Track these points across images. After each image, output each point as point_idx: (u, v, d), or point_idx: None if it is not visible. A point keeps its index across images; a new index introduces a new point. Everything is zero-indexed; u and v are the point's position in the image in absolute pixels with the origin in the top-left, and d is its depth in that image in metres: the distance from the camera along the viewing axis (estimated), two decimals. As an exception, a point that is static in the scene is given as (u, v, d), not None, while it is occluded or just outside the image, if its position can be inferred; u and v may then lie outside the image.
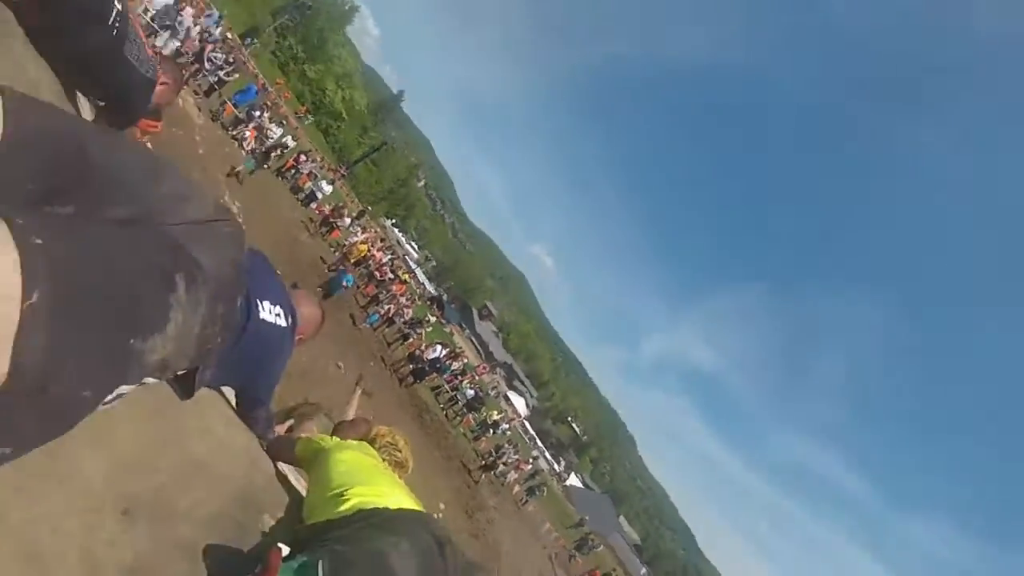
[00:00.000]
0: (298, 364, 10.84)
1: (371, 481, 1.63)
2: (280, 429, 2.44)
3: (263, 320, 1.69)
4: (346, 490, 1.53)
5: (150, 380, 1.17)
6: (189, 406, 1.49)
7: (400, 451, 2.17)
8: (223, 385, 1.85)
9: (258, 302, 1.68)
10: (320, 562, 1.12)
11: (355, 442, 1.96)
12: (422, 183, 77.26)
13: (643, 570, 52.16)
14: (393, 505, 1.53)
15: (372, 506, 1.47)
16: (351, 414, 4.05)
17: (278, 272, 1.97)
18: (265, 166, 18.67)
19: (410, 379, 20.21)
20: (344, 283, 18.17)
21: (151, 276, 0.99)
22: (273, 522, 1.60)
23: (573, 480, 55.82)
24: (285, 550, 1.21)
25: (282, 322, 1.79)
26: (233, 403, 1.89)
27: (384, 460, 2.01)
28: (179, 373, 1.32)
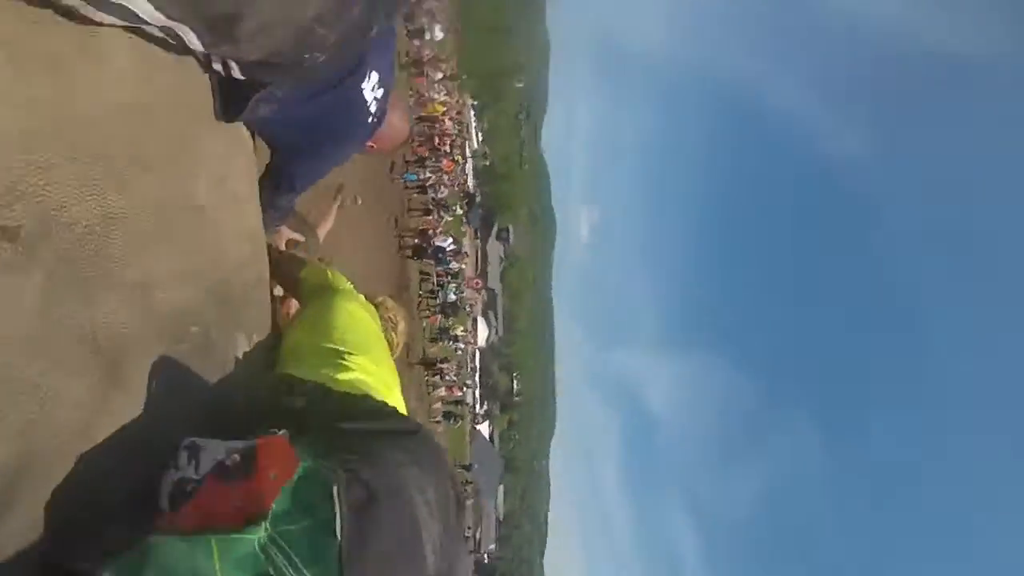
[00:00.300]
0: (329, 180, 10.28)
1: (377, 359, 1.43)
2: (279, 238, 2.10)
3: (362, 90, 1.39)
4: (348, 354, 1.33)
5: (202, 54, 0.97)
6: (220, 130, 1.18)
7: (396, 334, 1.83)
8: (270, 138, 1.50)
9: (369, 71, 1.38)
10: (335, 488, 0.79)
11: (363, 297, 1.71)
12: (520, 85, 74.85)
13: (492, 546, 53.40)
14: (391, 391, 1.37)
15: (381, 398, 1.24)
16: (328, 225, 4.04)
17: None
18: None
19: (408, 252, 19.80)
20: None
21: None
22: (248, 347, 1.32)
23: (484, 428, 56.85)
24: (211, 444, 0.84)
25: (373, 109, 1.47)
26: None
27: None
28: (236, 76, 1.07)
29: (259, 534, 0.72)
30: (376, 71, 1.40)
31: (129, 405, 0.91)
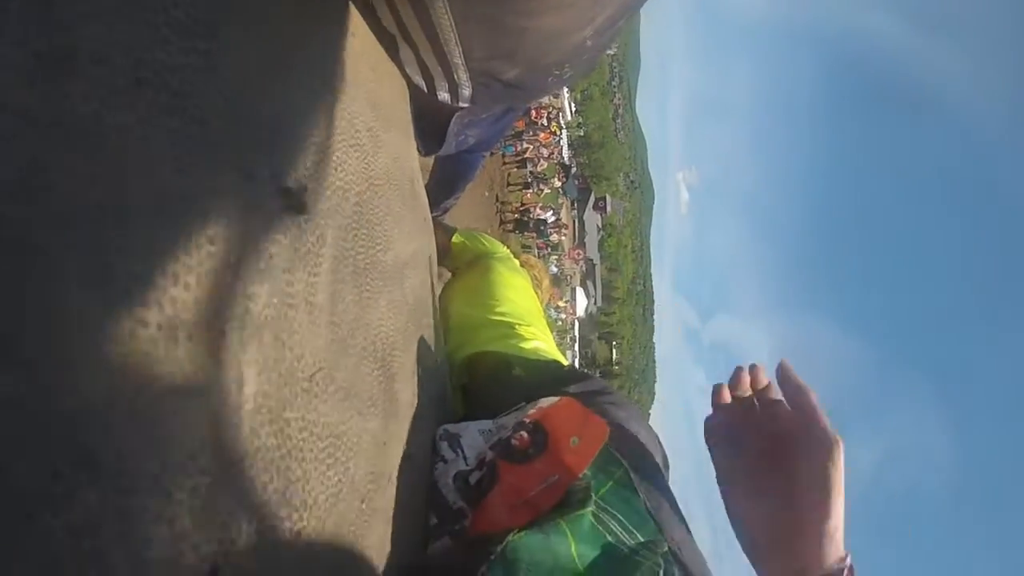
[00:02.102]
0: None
1: (540, 320, 1.28)
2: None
3: None
4: (520, 324, 1.17)
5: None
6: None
7: (542, 291, 1.72)
8: (484, 150, 1.50)
9: None
10: (618, 459, 0.73)
11: (517, 263, 1.59)
12: (612, 51, 72.96)
13: None
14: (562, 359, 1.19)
15: (555, 357, 1.12)
16: None
17: None
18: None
19: (510, 226, 20.21)
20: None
21: None
22: (426, 335, 1.01)
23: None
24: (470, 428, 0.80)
25: None
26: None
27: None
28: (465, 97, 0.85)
29: (591, 507, 0.67)
30: None
31: (400, 432, 0.70)
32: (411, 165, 0.89)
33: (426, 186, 1.60)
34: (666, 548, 0.64)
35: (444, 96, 0.85)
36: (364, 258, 0.64)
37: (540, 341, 1.15)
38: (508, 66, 0.76)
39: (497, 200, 19.05)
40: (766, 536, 0.66)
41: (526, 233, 21.61)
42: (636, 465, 0.74)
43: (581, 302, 54.00)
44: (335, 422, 0.53)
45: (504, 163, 20.34)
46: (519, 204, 20.88)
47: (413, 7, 0.67)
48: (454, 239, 1.56)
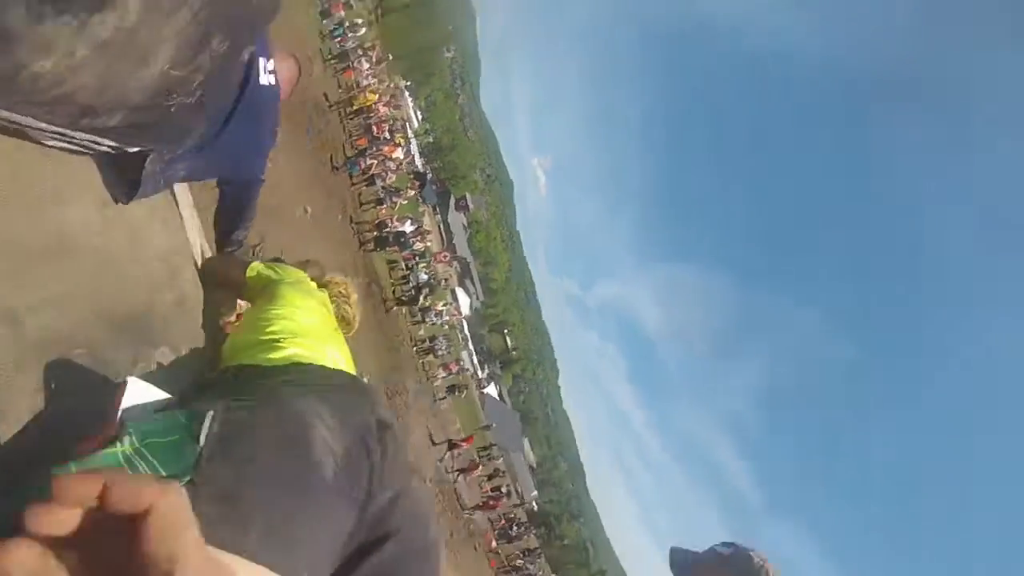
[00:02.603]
0: (266, 203, 10.45)
1: (318, 335, 1.39)
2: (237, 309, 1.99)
3: (261, 85, 1.35)
4: (284, 338, 1.26)
5: (62, 140, 0.80)
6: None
7: (350, 306, 1.88)
8: (198, 179, 1.50)
9: (259, 59, 1.31)
10: (209, 415, 0.84)
11: (312, 284, 1.72)
12: (450, 55, 73.48)
13: (534, 492, 54.91)
14: (331, 364, 1.29)
15: (308, 361, 1.22)
16: None
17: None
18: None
19: (371, 245, 19.97)
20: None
21: None
22: (172, 357, 1.27)
23: (491, 390, 57.57)
24: (137, 384, 0.94)
25: (273, 80, 1.45)
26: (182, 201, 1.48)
27: (330, 314, 1.76)
28: (125, 149, 0.90)
29: (121, 448, 0.78)
30: (260, 56, 1.32)
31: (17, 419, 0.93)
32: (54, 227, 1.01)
33: (213, 217, 1.67)
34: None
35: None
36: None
37: (299, 349, 1.24)
38: (102, 118, 0.77)
39: (352, 222, 18.80)
40: None
41: (388, 248, 21.39)
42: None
43: (464, 301, 54.29)
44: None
45: (352, 184, 20.07)
46: (375, 221, 20.70)
47: None
48: (248, 272, 1.59)
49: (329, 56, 20.30)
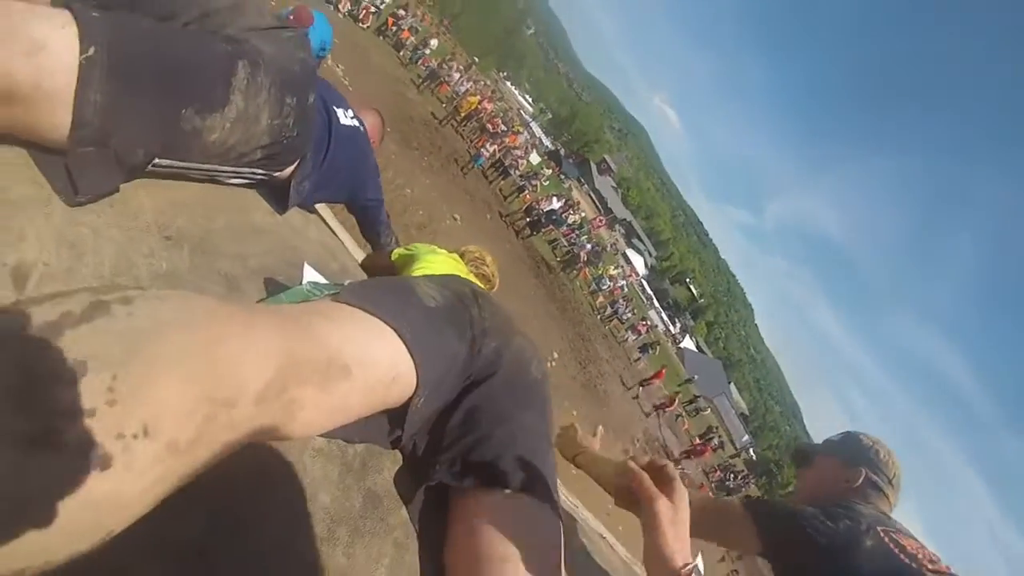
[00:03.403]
0: (416, 217, 11.20)
1: (447, 270, 1.62)
2: None
3: (343, 124, 1.73)
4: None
5: (236, 177, 1.31)
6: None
7: (487, 266, 2.07)
8: (329, 201, 1.92)
9: (334, 108, 1.71)
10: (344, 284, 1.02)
11: (444, 251, 1.94)
12: (532, 31, 73.16)
13: (746, 437, 52.19)
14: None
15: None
16: None
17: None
18: (361, 25, 18.50)
19: (527, 231, 20.27)
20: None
21: (209, 55, 1.03)
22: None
23: (687, 343, 55.80)
24: (311, 271, 1.33)
25: (358, 123, 1.84)
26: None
27: (471, 273, 1.96)
28: (271, 174, 1.40)
29: (303, 287, 1.19)
30: (336, 106, 1.72)
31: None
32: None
33: (364, 233, 2.19)
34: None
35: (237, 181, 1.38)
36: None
37: (425, 271, 1.55)
38: (249, 156, 1.27)
39: (502, 217, 19.29)
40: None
41: (544, 230, 21.62)
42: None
43: (638, 261, 53.43)
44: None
45: (490, 182, 20.57)
46: (523, 208, 21.02)
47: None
48: (392, 256, 1.83)
49: (420, 80, 21.06)
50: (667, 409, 24.12)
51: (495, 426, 0.93)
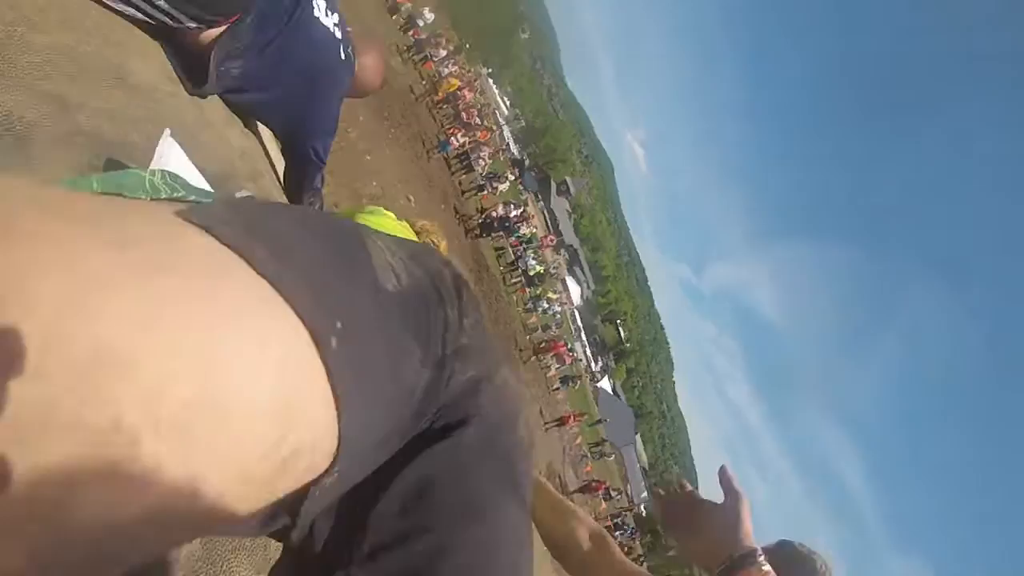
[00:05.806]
0: (369, 188, 10.05)
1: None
2: None
3: (316, 18, 1.35)
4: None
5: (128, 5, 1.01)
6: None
7: (440, 251, 1.57)
8: (257, 113, 1.47)
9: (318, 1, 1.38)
10: (243, 192, 0.92)
11: (392, 216, 1.85)
12: (526, 36, 72.78)
13: (644, 493, 52.64)
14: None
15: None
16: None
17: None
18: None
19: (476, 232, 19.46)
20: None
21: None
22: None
23: (604, 384, 56.03)
24: (174, 145, 0.93)
25: (339, 35, 1.44)
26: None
27: None
28: (183, 24, 1.09)
29: (150, 175, 0.69)
30: (326, 5, 1.35)
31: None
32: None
33: (286, 176, 1.67)
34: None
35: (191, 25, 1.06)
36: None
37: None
38: None
39: (456, 211, 18.36)
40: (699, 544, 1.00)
41: (493, 234, 20.89)
42: None
43: (574, 290, 53.35)
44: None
45: (452, 172, 19.59)
46: (478, 208, 20.16)
47: None
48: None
49: (405, 50, 19.79)
50: (567, 425, 24.62)
51: (461, 525, 0.52)
